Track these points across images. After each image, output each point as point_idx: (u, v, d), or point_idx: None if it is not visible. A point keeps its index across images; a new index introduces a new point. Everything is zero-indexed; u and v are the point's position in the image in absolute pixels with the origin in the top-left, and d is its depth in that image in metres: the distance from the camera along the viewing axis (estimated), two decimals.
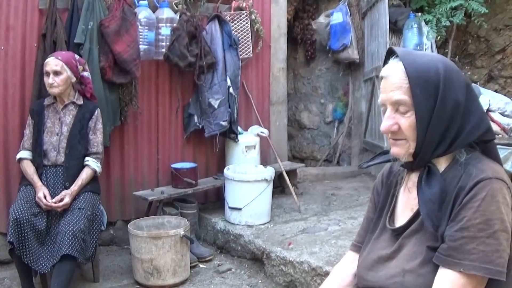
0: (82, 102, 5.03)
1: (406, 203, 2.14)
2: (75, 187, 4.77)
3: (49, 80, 4.79)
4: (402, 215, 2.13)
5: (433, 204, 1.90)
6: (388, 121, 2.00)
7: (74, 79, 4.94)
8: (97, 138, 5.02)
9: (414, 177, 2.12)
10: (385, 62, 2.10)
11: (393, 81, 1.99)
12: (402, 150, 2.02)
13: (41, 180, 4.79)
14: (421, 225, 1.98)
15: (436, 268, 1.88)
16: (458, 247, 1.82)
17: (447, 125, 1.95)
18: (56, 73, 4.80)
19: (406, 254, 1.99)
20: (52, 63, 4.82)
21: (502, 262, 1.80)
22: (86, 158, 4.94)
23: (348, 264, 2.39)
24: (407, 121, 1.96)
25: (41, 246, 4.52)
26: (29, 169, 4.86)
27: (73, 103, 4.98)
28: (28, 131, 4.98)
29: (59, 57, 4.87)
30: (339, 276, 2.38)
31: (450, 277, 1.82)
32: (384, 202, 2.28)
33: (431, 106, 1.93)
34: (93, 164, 4.94)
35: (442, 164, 2.02)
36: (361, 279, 2.19)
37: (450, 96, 1.94)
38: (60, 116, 4.92)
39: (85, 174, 4.88)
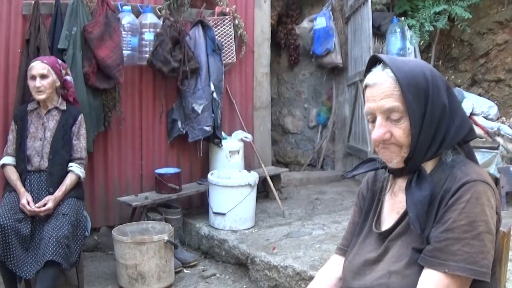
0: (65, 108, 5.00)
1: (392, 207, 2.15)
2: (59, 192, 4.74)
3: (36, 83, 4.75)
4: (388, 219, 2.14)
5: (423, 207, 1.91)
6: (380, 129, 1.99)
7: (58, 83, 4.92)
8: (80, 144, 4.99)
9: (400, 182, 2.13)
10: (368, 70, 2.10)
11: (383, 89, 1.98)
12: (394, 155, 2.01)
13: (24, 186, 4.76)
14: (407, 227, 1.99)
15: (421, 269, 1.89)
16: (443, 248, 1.83)
17: (435, 129, 1.97)
18: (43, 76, 4.77)
19: (392, 256, 2.00)
20: (39, 66, 4.79)
21: (487, 263, 1.82)
22: (70, 164, 4.91)
23: (333, 268, 2.39)
24: (400, 128, 1.96)
25: (25, 251, 4.48)
26: (13, 175, 4.83)
27: (56, 108, 4.95)
28: (11, 137, 4.94)
29: (45, 61, 4.85)
30: (324, 280, 2.38)
31: (434, 278, 1.83)
32: (370, 206, 2.28)
33: (422, 112, 1.94)
34: (76, 169, 4.91)
35: (428, 166, 2.04)
36: (347, 283, 2.19)
37: (438, 100, 1.96)
38: (44, 121, 4.89)
39: (69, 180, 4.85)
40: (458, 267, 1.80)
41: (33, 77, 4.78)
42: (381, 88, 1.98)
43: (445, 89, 2.00)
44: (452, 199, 1.87)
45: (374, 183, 2.31)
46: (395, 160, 2.02)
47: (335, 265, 2.39)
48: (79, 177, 4.94)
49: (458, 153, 2.03)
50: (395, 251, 2.00)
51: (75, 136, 4.96)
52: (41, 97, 4.80)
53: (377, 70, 2.04)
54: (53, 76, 4.84)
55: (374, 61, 2.09)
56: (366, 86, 2.06)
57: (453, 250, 1.82)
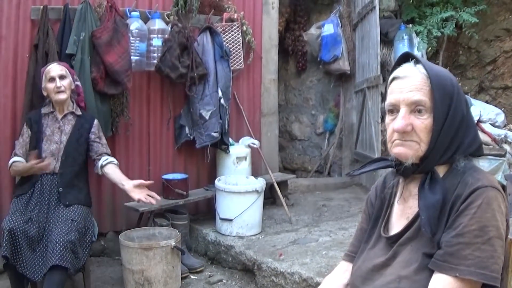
0: (80, 113, 5.03)
1: (402, 213, 2.15)
2: (127, 181, 4.82)
3: (57, 83, 4.78)
4: (397, 224, 2.15)
5: (435, 211, 1.93)
6: (403, 120, 2.00)
7: (73, 86, 4.97)
8: (104, 142, 5.12)
9: (411, 187, 2.14)
10: (397, 65, 2.13)
11: (413, 82, 2.01)
12: (410, 151, 2.02)
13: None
14: (417, 232, 2.00)
15: (431, 274, 1.89)
16: (454, 253, 1.84)
17: (454, 134, 2.00)
18: (62, 77, 4.82)
19: (402, 261, 2.01)
20: (56, 68, 4.85)
21: (497, 268, 1.83)
22: (104, 157, 5.01)
23: (340, 274, 2.39)
24: (423, 123, 1.99)
25: (33, 252, 4.46)
26: (19, 163, 4.80)
27: (72, 113, 4.98)
28: (21, 139, 4.91)
29: (60, 63, 4.93)
30: (331, 286, 2.38)
31: (444, 282, 1.84)
32: (379, 213, 2.29)
33: (446, 113, 1.98)
34: (112, 158, 5.05)
35: (440, 171, 2.04)
36: None
37: (460, 108, 2.00)
38: (60, 125, 4.90)
39: (118, 170, 5.01)
40: (469, 272, 1.81)
41: (52, 79, 4.81)
42: (411, 81, 2.02)
43: (465, 101, 2.05)
44: (464, 205, 1.88)
45: (383, 190, 2.32)
46: (411, 159, 2.03)
47: (342, 272, 2.39)
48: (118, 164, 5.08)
49: (469, 160, 2.04)
50: (405, 256, 2.01)
51: (98, 138, 5.06)
52: (63, 97, 4.83)
53: (409, 65, 2.08)
54: (69, 78, 4.90)
55: (404, 58, 2.14)
56: (393, 79, 2.10)
57: (464, 254, 1.82)
